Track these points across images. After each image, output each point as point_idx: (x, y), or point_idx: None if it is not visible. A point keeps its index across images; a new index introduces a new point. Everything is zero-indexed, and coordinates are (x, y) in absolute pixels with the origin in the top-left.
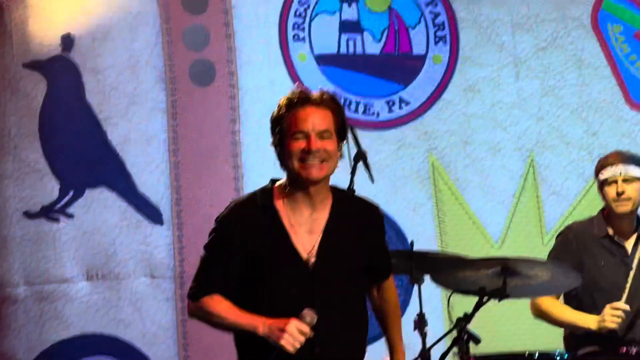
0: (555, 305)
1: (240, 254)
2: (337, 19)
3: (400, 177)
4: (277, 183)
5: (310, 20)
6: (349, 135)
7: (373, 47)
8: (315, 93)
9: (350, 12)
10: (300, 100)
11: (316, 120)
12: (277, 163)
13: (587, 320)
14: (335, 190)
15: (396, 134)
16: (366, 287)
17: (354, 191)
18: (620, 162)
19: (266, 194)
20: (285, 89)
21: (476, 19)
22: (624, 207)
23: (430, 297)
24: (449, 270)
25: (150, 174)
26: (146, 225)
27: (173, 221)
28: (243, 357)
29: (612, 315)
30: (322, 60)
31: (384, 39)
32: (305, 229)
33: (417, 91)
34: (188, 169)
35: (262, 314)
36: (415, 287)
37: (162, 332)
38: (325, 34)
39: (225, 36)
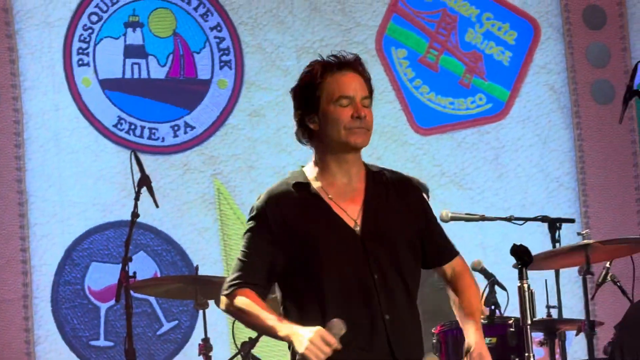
0: None
1: (283, 235)
2: (122, 44)
3: (186, 202)
4: (305, 167)
5: (95, 45)
6: (133, 160)
7: (158, 72)
8: (349, 57)
9: (135, 37)
10: (339, 65)
11: (358, 85)
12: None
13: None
14: (365, 164)
15: (181, 158)
16: (419, 272)
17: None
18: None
19: (297, 174)
20: (69, 114)
21: (261, 44)
22: None
23: (216, 322)
24: None
25: None
26: None
27: None
28: None
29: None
30: (107, 84)
31: (169, 64)
32: (345, 199)
33: (202, 116)
34: None
35: (317, 291)
36: (201, 312)
37: None
38: (110, 59)
39: (9, 61)
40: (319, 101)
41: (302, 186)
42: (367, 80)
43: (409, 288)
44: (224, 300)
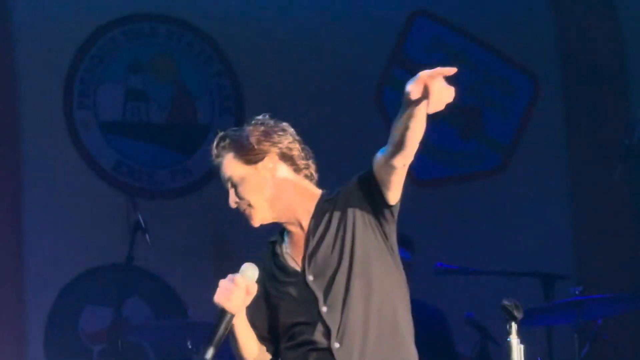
0: None
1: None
2: (122, 87)
3: (183, 246)
4: None
5: (96, 88)
6: (130, 204)
7: (159, 116)
8: (215, 146)
9: (136, 81)
10: (215, 161)
11: (222, 173)
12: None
13: None
14: (319, 200)
15: (179, 203)
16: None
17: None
18: None
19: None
20: (68, 156)
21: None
22: None
23: None
24: None
25: None
26: None
27: None
28: None
29: None
30: (107, 127)
31: (169, 108)
32: (295, 247)
33: (200, 161)
34: None
35: (283, 336)
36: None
37: None
38: (111, 102)
39: (10, 102)
40: None
41: (272, 244)
42: (231, 152)
43: (369, 307)
44: None
